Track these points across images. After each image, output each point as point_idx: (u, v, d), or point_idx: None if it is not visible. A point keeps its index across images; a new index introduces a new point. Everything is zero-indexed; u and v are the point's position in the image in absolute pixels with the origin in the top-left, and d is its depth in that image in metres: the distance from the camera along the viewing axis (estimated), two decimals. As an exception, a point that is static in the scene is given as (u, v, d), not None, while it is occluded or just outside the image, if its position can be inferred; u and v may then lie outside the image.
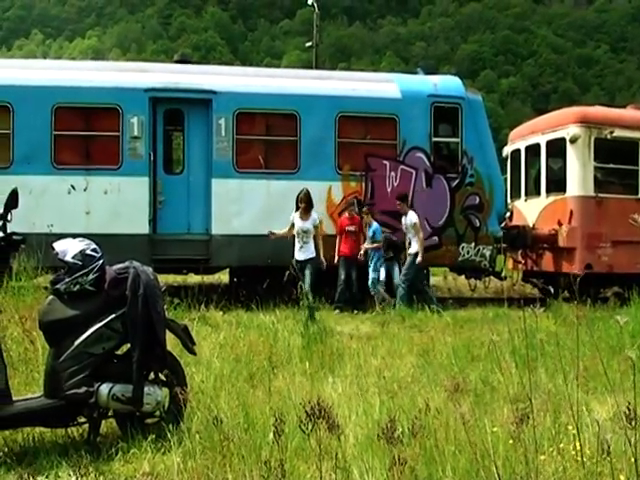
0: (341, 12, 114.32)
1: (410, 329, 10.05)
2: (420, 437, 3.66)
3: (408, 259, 12.65)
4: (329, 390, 5.97)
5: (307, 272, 11.85)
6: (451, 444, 4.10)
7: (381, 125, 13.86)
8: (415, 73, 15.50)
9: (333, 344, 7.89)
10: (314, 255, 11.99)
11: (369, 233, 12.81)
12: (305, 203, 12.08)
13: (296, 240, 12.07)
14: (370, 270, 12.81)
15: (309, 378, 6.40)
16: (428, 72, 15.09)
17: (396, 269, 13.23)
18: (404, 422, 4.23)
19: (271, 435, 3.67)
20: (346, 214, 13.02)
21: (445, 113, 14.02)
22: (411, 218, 12.63)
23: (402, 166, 13.61)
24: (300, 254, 12.03)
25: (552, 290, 12.63)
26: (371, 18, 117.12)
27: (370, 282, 12.80)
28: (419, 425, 3.51)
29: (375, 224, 12.86)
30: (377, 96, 13.71)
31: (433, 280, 15.07)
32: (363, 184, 13.50)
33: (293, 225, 12.15)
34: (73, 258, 4.91)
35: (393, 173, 13.57)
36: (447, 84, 14.42)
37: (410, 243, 12.70)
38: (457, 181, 13.84)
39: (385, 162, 13.59)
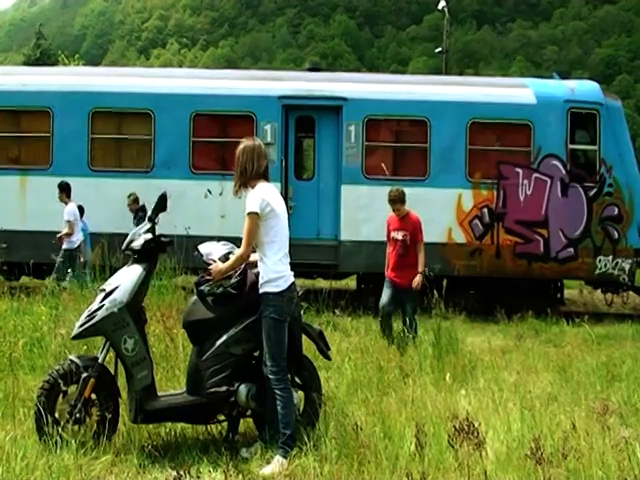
0: (469, 16, 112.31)
1: (545, 344, 9.70)
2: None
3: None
4: (463, 403, 5.86)
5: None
6: (598, 467, 3.92)
7: (514, 132, 13.45)
8: (550, 78, 15.00)
9: (465, 356, 7.73)
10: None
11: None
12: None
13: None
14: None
15: (441, 389, 6.30)
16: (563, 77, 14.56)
17: None
18: (548, 441, 4.08)
19: (412, 446, 3.64)
20: (394, 212, 9.03)
21: (582, 119, 13.44)
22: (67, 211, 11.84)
23: (536, 174, 13.15)
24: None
25: None
26: (500, 22, 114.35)
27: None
28: (570, 447, 3.36)
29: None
30: (510, 102, 13.33)
31: (567, 293, 14.43)
32: (495, 192, 13.17)
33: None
34: (217, 261, 5.07)
35: (526, 181, 13.13)
36: (585, 89, 13.83)
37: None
38: (595, 191, 13.21)
39: (518, 170, 13.17)
